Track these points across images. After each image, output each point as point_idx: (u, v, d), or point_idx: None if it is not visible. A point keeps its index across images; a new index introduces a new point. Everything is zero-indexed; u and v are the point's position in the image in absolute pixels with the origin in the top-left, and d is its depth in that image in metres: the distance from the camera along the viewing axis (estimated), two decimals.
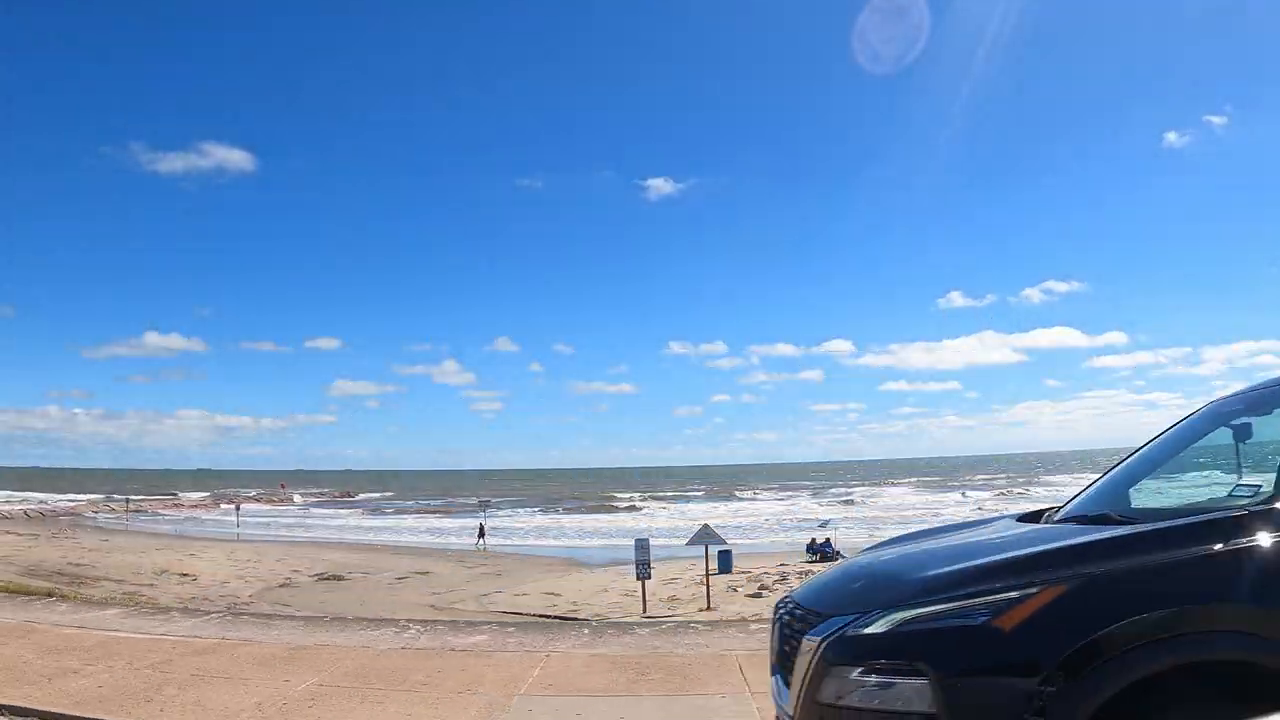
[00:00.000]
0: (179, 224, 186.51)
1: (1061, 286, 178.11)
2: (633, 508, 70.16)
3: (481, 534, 40.61)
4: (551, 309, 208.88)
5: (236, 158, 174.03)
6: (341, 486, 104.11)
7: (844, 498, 73.96)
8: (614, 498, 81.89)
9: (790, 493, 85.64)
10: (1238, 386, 3.91)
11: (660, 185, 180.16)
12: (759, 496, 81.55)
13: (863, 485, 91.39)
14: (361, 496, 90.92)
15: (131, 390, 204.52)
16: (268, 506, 75.33)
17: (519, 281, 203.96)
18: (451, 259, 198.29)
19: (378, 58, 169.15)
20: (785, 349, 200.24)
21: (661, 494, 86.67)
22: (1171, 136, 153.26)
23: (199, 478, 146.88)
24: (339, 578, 25.99)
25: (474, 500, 66.60)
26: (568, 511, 66.57)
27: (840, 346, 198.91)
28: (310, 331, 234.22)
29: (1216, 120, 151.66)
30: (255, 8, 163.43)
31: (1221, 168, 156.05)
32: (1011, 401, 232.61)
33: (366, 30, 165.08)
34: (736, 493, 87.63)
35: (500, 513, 62.82)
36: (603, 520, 57.62)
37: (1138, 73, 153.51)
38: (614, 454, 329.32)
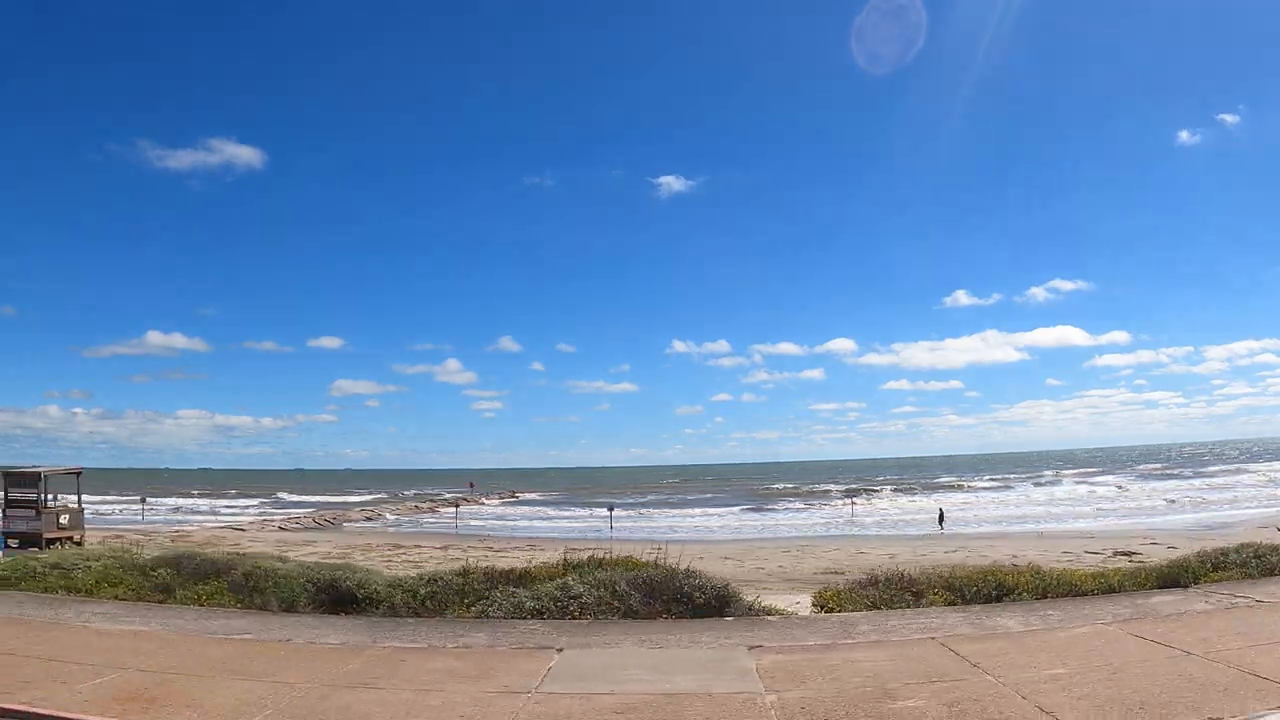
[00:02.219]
0: (184, 222, 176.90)
1: (1067, 285, 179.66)
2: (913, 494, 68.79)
3: (942, 519, 45.42)
4: (556, 308, 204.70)
5: (245, 154, 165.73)
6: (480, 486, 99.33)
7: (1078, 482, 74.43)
8: (829, 490, 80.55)
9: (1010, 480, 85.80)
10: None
11: (672, 182, 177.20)
12: (1009, 484, 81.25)
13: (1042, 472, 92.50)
14: (531, 496, 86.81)
15: (132, 390, 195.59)
16: (476, 507, 71.15)
17: (524, 280, 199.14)
18: (457, 257, 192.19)
19: (387, 54, 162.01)
20: (788, 348, 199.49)
21: (873, 486, 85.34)
22: (1184, 135, 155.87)
23: (210, 478, 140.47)
24: None
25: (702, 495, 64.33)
26: (851, 502, 64.57)
27: (843, 345, 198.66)
28: (313, 331, 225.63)
29: (1229, 119, 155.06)
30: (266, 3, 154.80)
31: (1232, 166, 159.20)
32: (1012, 400, 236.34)
33: (376, 27, 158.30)
34: (970, 483, 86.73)
35: (811, 504, 60.76)
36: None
37: (1151, 71, 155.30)
38: (614, 454, 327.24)
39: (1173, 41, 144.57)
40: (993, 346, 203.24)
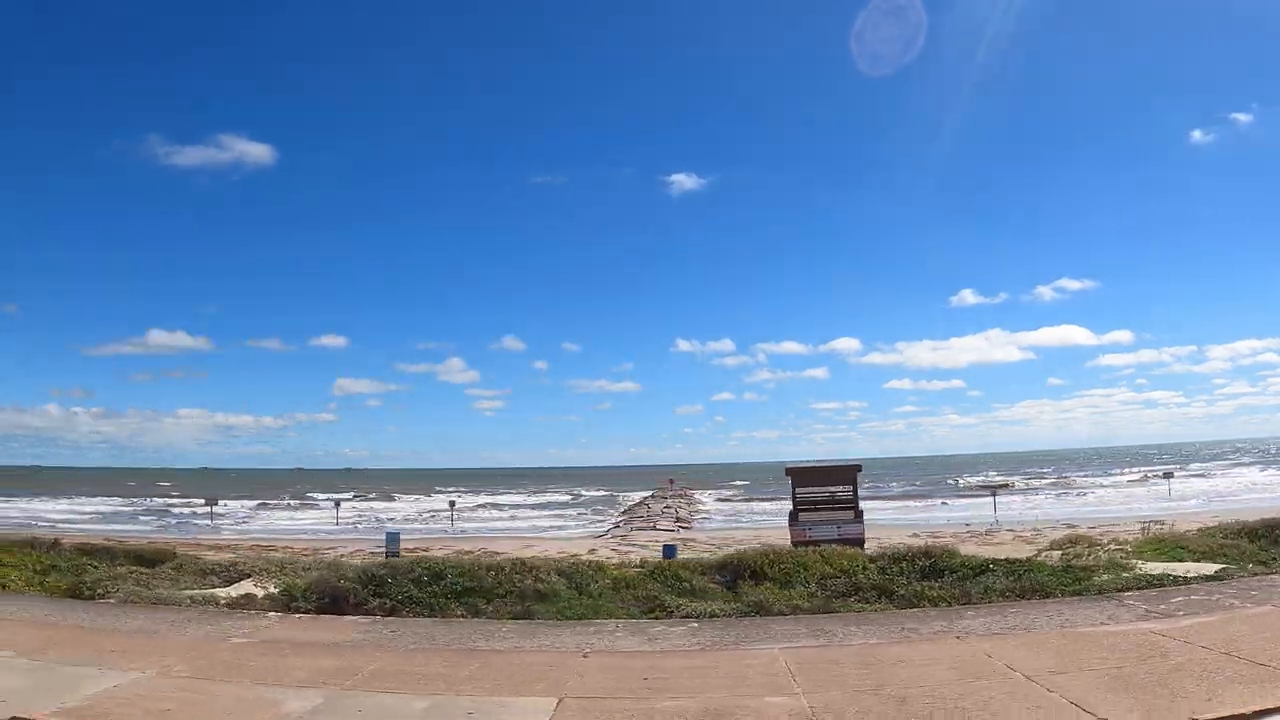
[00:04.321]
0: (189, 220, 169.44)
1: (1074, 284, 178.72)
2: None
3: None
4: (561, 307, 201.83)
5: (256, 151, 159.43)
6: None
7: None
8: (1034, 482, 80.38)
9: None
10: None
11: (683, 180, 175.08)
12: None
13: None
14: (720, 492, 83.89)
15: (134, 389, 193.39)
16: (720, 504, 68.05)
17: (530, 279, 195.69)
18: (464, 256, 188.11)
19: (396, 52, 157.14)
20: (792, 347, 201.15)
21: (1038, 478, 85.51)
22: (1196, 134, 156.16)
23: (231, 477, 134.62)
24: None
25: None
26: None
27: (847, 345, 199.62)
28: (317, 330, 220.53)
29: (1242, 118, 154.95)
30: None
31: (1244, 165, 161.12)
32: (1012, 400, 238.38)
33: (386, 26, 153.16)
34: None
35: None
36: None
37: (1163, 69, 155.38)
38: (614, 453, 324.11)
39: (1185, 39, 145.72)
40: (996, 346, 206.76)
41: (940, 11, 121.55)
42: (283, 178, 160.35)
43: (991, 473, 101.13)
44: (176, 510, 63.99)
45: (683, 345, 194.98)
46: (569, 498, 77.53)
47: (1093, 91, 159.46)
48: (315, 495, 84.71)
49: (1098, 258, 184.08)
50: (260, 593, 14.10)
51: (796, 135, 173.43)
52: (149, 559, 18.85)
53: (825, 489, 22.78)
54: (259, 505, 70.62)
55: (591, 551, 31.30)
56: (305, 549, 32.99)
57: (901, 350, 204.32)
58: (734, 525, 47.19)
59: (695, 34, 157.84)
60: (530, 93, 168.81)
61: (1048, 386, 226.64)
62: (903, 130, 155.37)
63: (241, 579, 14.82)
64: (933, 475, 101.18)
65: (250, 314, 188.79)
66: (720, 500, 72.47)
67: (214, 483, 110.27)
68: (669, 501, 64.76)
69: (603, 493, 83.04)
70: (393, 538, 22.64)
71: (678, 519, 49.54)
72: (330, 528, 51.55)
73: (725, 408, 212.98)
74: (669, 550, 24.61)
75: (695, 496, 74.71)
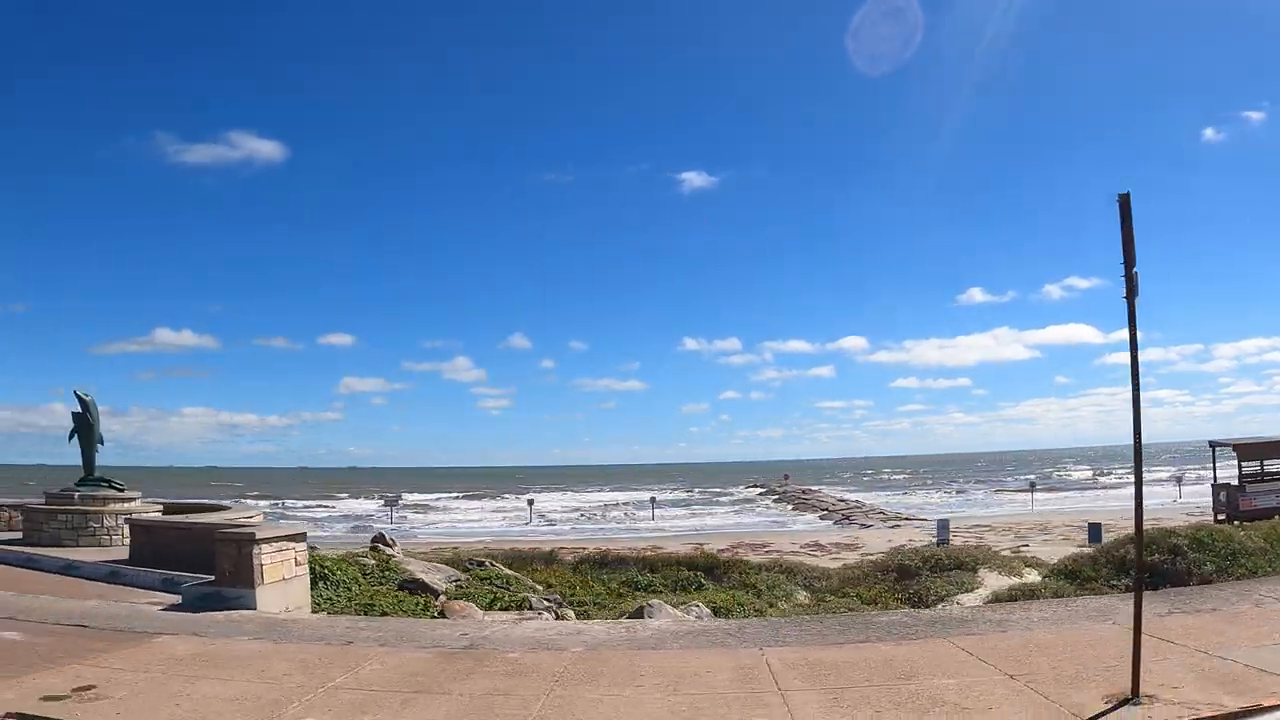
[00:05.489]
0: (197, 218, 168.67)
1: (1083, 283, 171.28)
2: None
3: None
4: (569, 306, 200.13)
5: (266, 149, 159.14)
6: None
7: None
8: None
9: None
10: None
11: (693, 179, 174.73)
12: None
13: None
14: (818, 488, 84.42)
15: (140, 387, 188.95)
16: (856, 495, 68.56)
17: (539, 279, 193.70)
18: (472, 254, 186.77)
19: (397, 50, 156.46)
20: (799, 345, 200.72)
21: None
22: (1209, 133, 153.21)
23: (237, 476, 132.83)
24: None
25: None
26: None
27: (854, 343, 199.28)
28: (324, 328, 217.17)
29: (1254, 116, 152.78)
30: None
31: (1253, 164, 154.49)
32: (1018, 398, 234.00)
33: (387, 24, 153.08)
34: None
35: None
36: None
37: (1176, 68, 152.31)
38: (617, 452, 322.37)
39: (1194, 39, 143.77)
40: (1003, 344, 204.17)
41: (940, 11, 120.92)
42: (288, 177, 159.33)
43: (1070, 463, 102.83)
44: (312, 513, 62.93)
45: (689, 344, 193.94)
46: (693, 494, 77.70)
47: (1094, 91, 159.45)
48: (404, 494, 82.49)
49: (1106, 256, 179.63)
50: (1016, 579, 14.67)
51: (798, 135, 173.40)
52: (701, 566, 19.06)
53: (1268, 461, 23.87)
54: (384, 505, 69.73)
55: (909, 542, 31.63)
56: (646, 546, 32.28)
57: (909, 349, 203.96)
58: (953, 512, 48.10)
59: (695, 34, 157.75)
60: (530, 93, 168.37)
61: (1054, 385, 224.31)
62: (905, 130, 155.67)
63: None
64: (998, 472, 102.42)
65: (257, 312, 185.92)
66: (853, 495, 72.65)
67: (229, 483, 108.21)
68: (837, 497, 65.61)
69: (715, 489, 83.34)
70: (943, 525, 24.34)
71: (889, 515, 50.46)
72: (526, 526, 51.61)
73: (730, 406, 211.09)
74: (1095, 531, 25.36)
75: (828, 493, 75.08)
